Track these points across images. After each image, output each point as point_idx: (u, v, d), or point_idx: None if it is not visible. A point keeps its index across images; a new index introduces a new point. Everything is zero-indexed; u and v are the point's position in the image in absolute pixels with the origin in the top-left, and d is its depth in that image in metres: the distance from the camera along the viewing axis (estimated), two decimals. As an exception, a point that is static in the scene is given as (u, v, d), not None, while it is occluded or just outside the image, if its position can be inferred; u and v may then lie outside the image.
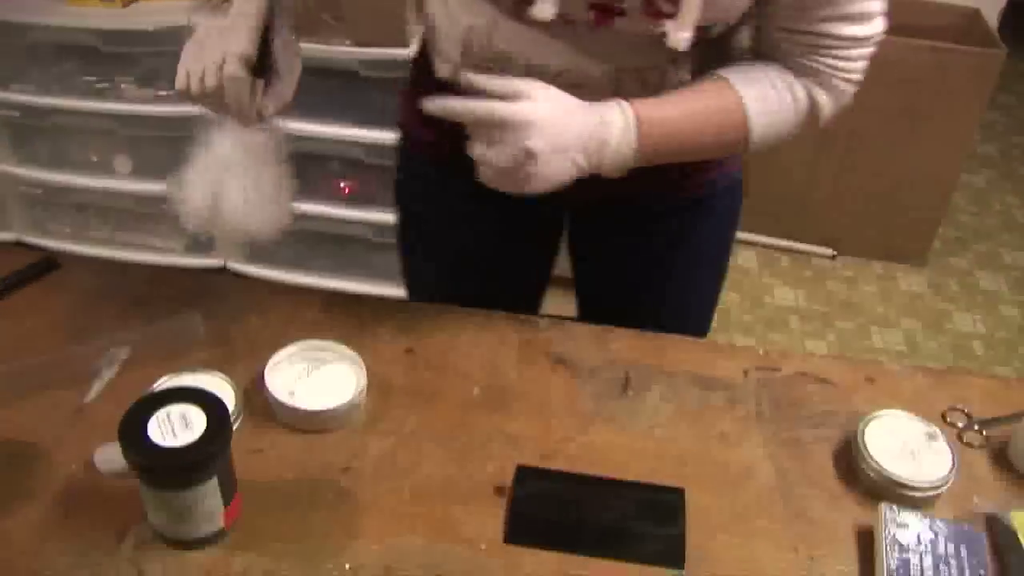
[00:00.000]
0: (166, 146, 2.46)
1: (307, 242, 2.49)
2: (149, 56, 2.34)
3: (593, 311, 1.36)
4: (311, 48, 2.17)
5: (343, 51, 2.19)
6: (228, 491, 0.91)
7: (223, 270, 2.61)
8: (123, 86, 2.39)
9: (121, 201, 2.53)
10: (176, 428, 0.87)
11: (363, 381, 1.07)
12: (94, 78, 2.38)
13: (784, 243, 3.07)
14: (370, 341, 1.14)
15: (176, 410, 0.89)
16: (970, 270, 3.09)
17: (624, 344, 1.20)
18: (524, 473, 1.02)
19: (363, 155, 2.34)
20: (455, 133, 0.98)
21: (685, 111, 1.01)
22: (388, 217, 2.41)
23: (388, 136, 2.29)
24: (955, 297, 2.97)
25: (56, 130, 2.45)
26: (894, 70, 2.56)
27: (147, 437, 0.86)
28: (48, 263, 1.24)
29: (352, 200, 2.44)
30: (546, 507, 0.99)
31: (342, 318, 1.19)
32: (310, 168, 2.42)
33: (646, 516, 0.99)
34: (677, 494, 1.01)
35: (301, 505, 0.97)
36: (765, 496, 1.02)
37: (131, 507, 0.93)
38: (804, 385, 1.16)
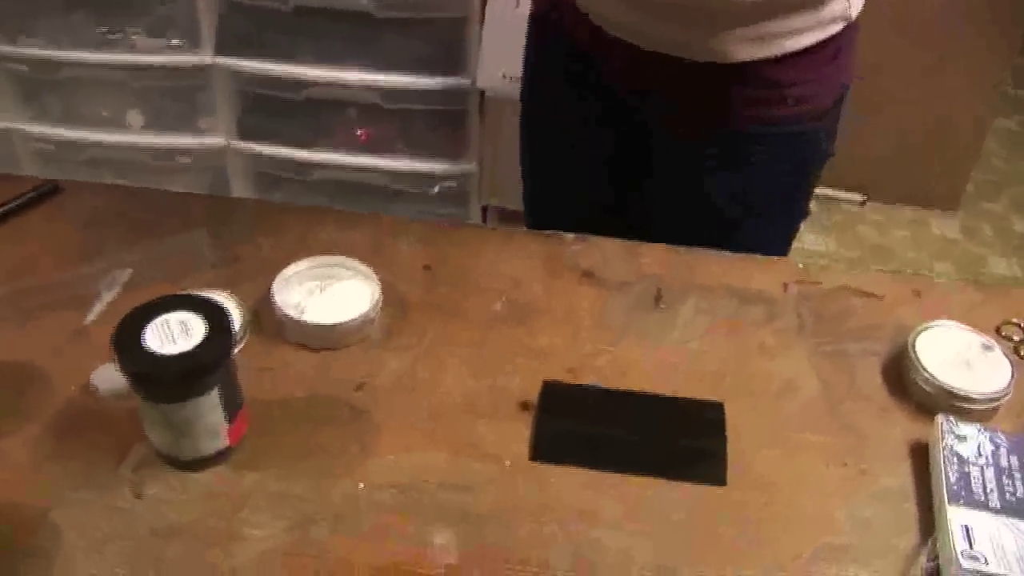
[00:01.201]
0: (178, 98, 2.40)
1: (323, 191, 2.43)
2: (161, 3, 2.27)
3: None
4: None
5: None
6: (232, 406, 0.85)
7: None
8: (134, 36, 2.33)
9: (135, 155, 2.47)
10: (175, 335, 0.81)
11: (378, 295, 1.00)
12: (104, 28, 2.32)
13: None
14: (387, 259, 1.07)
15: (175, 318, 0.83)
16: (1005, 214, 2.99)
17: (655, 258, 1.13)
18: (551, 388, 0.95)
19: (379, 100, 2.27)
20: None
21: None
22: (406, 165, 2.38)
23: (405, 80, 2.22)
24: (990, 242, 2.87)
25: (66, 84, 2.39)
26: (923, 9, 2.46)
27: (143, 345, 0.80)
28: (51, 187, 1.18)
29: (369, 147, 2.37)
30: (574, 423, 0.92)
31: (357, 237, 1.13)
32: (324, 115, 2.35)
33: (684, 431, 0.92)
34: (717, 408, 0.94)
35: (312, 423, 0.91)
36: (810, 410, 0.95)
37: (131, 429, 0.88)
38: (847, 298, 1.09)
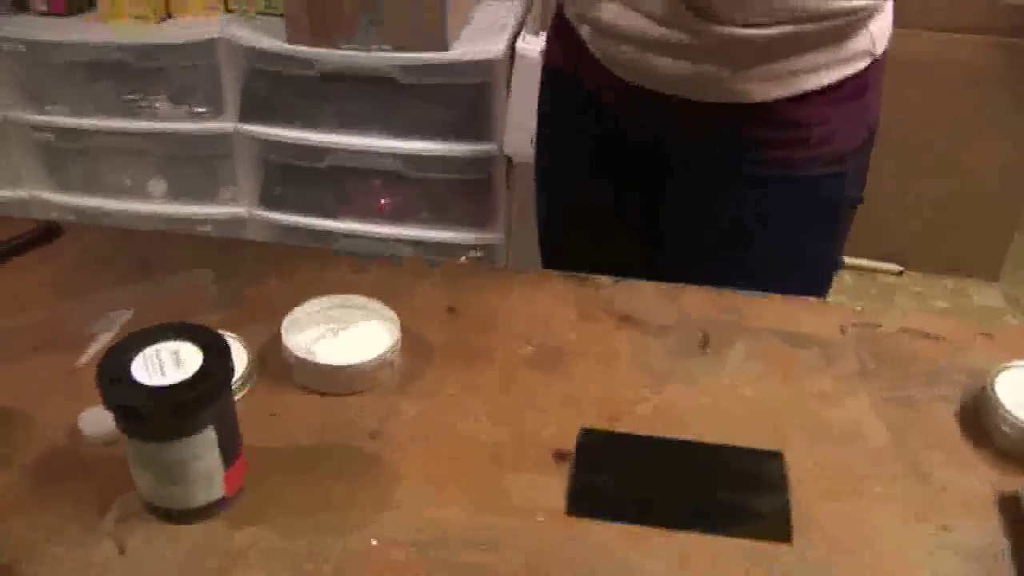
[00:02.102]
0: (201, 167, 2.36)
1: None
2: (183, 71, 2.25)
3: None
4: (347, 54, 2.06)
5: (380, 56, 2.08)
6: (230, 450, 0.76)
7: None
8: (157, 104, 2.30)
9: (156, 224, 2.42)
10: (166, 367, 0.72)
11: (396, 336, 0.91)
12: (128, 96, 2.29)
13: (846, 259, 2.87)
14: (406, 301, 0.98)
15: (167, 348, 0.74)
16: (1049, 283, 2.87)
17: (697, 300, 1.03)
18: (589, 435, 0.85)
19: (403, 167, 2.21)
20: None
21: None
22: (430, 234, 2.31)
23: (429, 147, 2.17)
24: (1035, 311, 2.75)
25: (90, 153, 2.36)
26: (960, 69, 2.40)
27: (131, 375, 0.71)
28: (50, 229, 1.11)
29: (392, 216, 2.31)
30: (617, 473, 0.82)
31: (373, 279, 1.04)
32: (347, 184, 2.30)
33: (740, 483, 0.82)
34: (775, 457, 0.83)
35: (320, 473, 0.81)
36: (880, 460, 0.84)
37: (118, 478, 0.78)
38: (910, 342, 0.99)
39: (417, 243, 2.30)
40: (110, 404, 0.71)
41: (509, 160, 2.19)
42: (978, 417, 0.88)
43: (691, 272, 1.06)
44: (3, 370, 0.91)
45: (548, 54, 1.24)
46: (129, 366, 0.72)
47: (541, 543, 0.75)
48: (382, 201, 2.32)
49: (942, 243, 2.80)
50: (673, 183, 1.14)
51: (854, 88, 1.03)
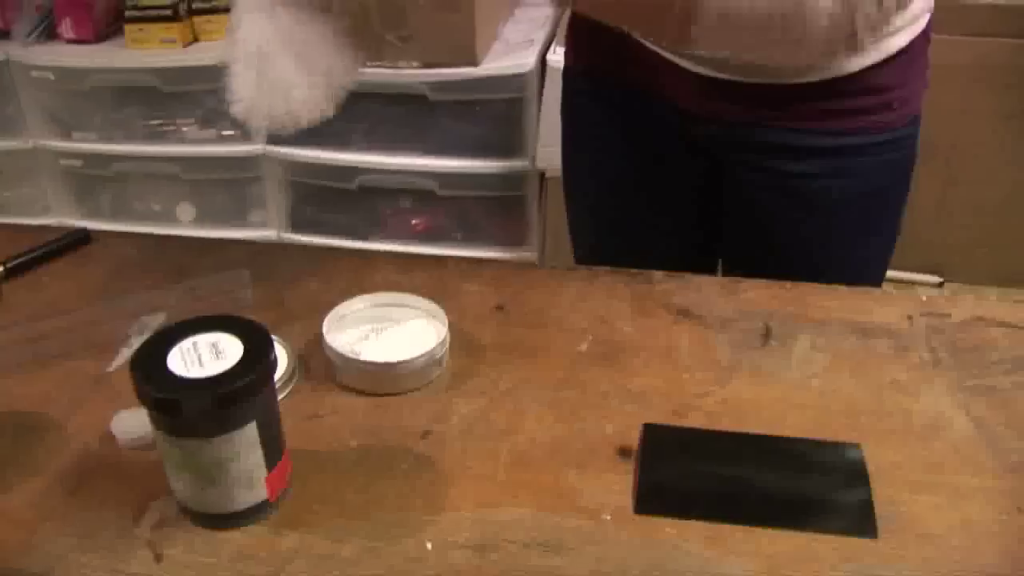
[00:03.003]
0: (229, 191, 2.33)
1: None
2: (210, 95, 2.22)
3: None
4: (376, 72, 2.03)
5: (410, 74, 2.05)
6: (273, 448, 0.70)
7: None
8: (184, 128, 2.28)
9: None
10: (204, 358, 0.67)
11: (445, 333, 0.86)
12: (155, 121, 2.27)
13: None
14: (453, 300, 0.94)
15: (205, 339, 0.69)
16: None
17: (757, 293, 0.98)
18: (654, 431, 0.79)
19: (435, 186, 2.17)
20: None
21: None
22: (464, 254, 2.25)
23: (461, 164, 2.13)
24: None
25: (118, 179, 2.34)
26: (999, 74, 2.33)
27: (167, 367, 0.66)
28: (81, 236, 1.07)
29: (424, 236, 2.26)
30: (686, 470, 0.76)
31: (419, 279, 1.00)
32: (378, 204, 2.26)
33: (819, 476, 0.75)
34: (855, 449, 0.77)
35: (368, 475, 0.76)
36: (966, 451, 0.78)
37: (153, 483, 0.74)
38: (985, 330, 0.93)
39: (450, 263, 2.25)
40: (145, 398, 0.66)
41: (542, 175, 2.15)
42: (1072, 405, 0.82)
43: (756, 258, 1.03)
44: (34, 376, 0.87)
45: (581, 58, 1.18)
46: (165, 358, 0.67)
47: (611, 544, 0.69)
48: (414, 221, 2.27)
49: (982, 253, 2.72)
50: (745, 168, 1.09)
51: (919, 47, 1.03)
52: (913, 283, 2.79)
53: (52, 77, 2.20)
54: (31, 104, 2.25)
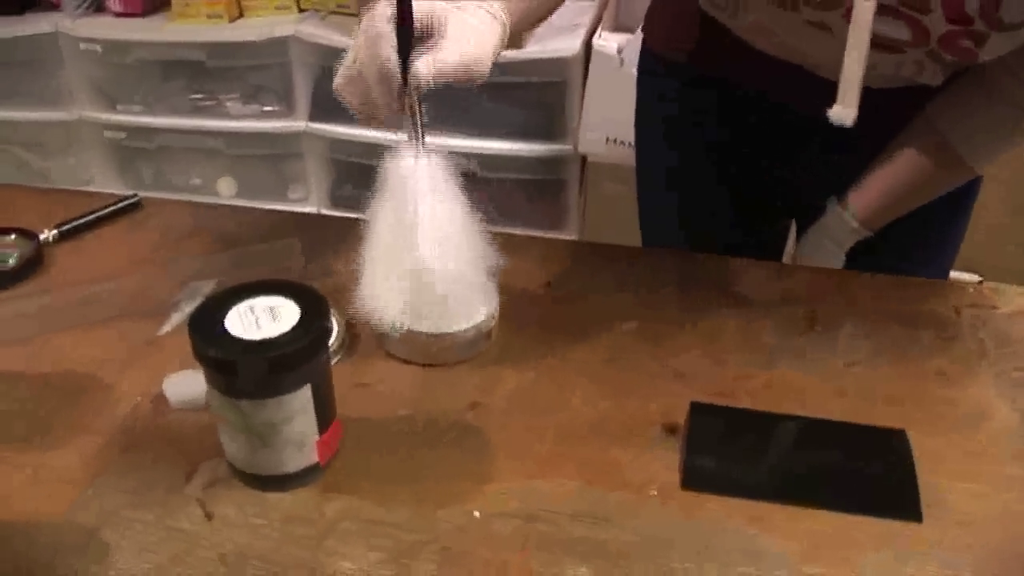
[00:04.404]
0: (270, 166, 2.34)
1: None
2: (254, 71, 2.24)
3: None
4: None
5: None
6: (324, 415, 0.71)
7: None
8: (228, 103, 2.29)
9: (224, 226, 2.41)
10: (261, 321, 0.68)
11: (495, 306, 0.86)
12: (199, 95, 2.29)
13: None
14: (501, 275, 0.93)
15: (263, 302, 0.70)
16: None
17: (802, 279, 0.98)
18: (701, 409, 0.79)
19: (477, 168, 2.17)
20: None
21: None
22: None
23: (503, 146, 2.13)
24: None
25: (161, 152, 2.36)
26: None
27: (225, 328, 0.67)
28: (134, 202, 1.08)
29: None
30: (733, 449, 0.76)
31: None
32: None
33: (864, 460, 0.75)
34: (900, 435, 0.77)
35: (416, 444, 0.77)
36: (1010, 441, 0.78)
37: (204, 445, 0.75)
38: (1035, 323, 0.92)
39: (488, 245, 2.26)
40: (203, 358, 0.67)
41: (583, 160, 2.15)
42: (1122, 400, 0.81)
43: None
44: (85, 338, 0.88)
45: (672, 45, 1.12)
46: (223, 319, 0.68)
47: (656, 519, 0.70)
48: (452, 203, 2.27)
49: (1017, 253, 2.68)
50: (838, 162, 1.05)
51: None
52: (953, 283, 2.75)
53: (99, 50, 2.23)
54: (78, 76, 2.27)
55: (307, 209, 2.33)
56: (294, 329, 0.67)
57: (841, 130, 0.84)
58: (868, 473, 0.74)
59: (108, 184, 2.41)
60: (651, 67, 1.15)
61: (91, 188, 2.40)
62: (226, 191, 2.38)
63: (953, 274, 2.80)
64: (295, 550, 0.67)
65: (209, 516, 0.70)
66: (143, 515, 0.70)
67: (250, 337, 0.67)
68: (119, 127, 2.33)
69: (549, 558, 0.67)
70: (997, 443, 0.78)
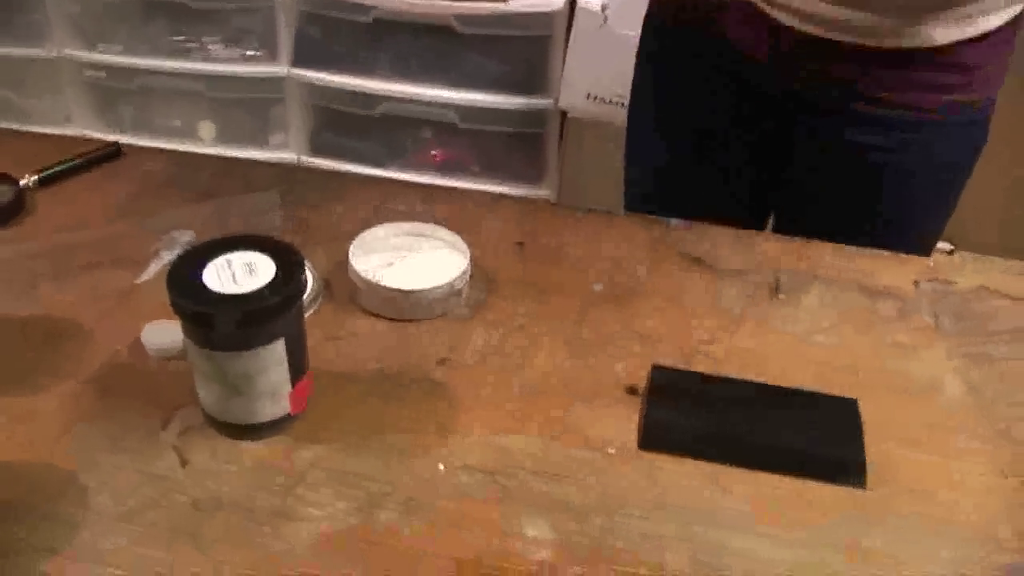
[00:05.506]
0: (251, 111, 2.34)
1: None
2: (239, 13, 2.23)
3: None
4: (405, 2, 2.02)
5: (439, 5, 2.04)
6: (297, 367, 0.74)
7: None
8: (210, 46, 2.28)
9: (204, 169, 2.41)
10: (238, 276, 0.70)
11: (466, 265, 0.89)
12: (181, 37, 2.27)
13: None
14: (475, 233, 0.96)
15: (240, 257, 0.72)
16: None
17: (771, 247, 1.00)
18: (662, 373, 0.82)
19: (456, 119, 2.18)
20: None
21: None
22: (480, 187, 2.27)
23: (484, 98, 2.14)
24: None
25: (141, 92, 2.34)
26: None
27: (203, 282, 0.69)
28: (113, 150, 1.09)
29: (443, 168, 2.28)
30: (690, 411, 0.79)
31: (442, 210, 1.02)
32: (398, 134, 2.27)
33: (816, 427, 0.79)
34: (851, 404, 0.80)
35: (386, 397, 0.79)
36: (958, 413, 0.82)
37: (179, 392, 0.77)
38: (987, 299, 0.96)
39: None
40: (180, 310, 0.69)
41: (563, 115, 2.16)
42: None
43: (810, 221, 1.05)
44: (64, 285, 0.90)
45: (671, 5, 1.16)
46: (201, 273, 0.70)
47: (614, 476, 0.73)
48: (433, 152, 2.29)
49: (996, 222, 2.72)
50: (819, 131, 1.10)
51: (1007, 33, 1.02)
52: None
53: (79, -15, 2.21)
54: (57, 13, 2.25)
55: (287, 155, 2.33)
56: (269, 285, 0.69)
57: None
58: (819, 439, 0.77)
59: (87, 124, 2.39)
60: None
61: (70, 127, 2.39)
62: (206, 134, 2.37)
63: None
64: (266, 497, 0.70)
65: (184, 463, 0.72)
66: (121, 460, 0.72)
67: (226, 291, 0.69)
68: (99, 66, 2.31)
69: (509, 511, 0.70)
70: (947, 416, 0.81)
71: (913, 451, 0.77)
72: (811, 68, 1.04)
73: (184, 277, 0.70)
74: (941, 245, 2.91)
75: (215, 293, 0.68)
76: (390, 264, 0.90)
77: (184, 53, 2.28)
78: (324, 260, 0.93)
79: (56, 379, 0.79)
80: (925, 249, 1.11)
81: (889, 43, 0.99)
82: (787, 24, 1.01)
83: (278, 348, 0.70)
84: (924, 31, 0.97)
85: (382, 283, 0.86)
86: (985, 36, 0.99)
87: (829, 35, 1.00)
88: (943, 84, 1.02)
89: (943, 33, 0.98)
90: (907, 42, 0.99)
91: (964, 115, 1.04)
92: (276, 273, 0.70)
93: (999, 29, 0.99)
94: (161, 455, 0.73)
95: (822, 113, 1.07)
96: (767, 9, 1.02)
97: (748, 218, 1.14)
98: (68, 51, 2.29)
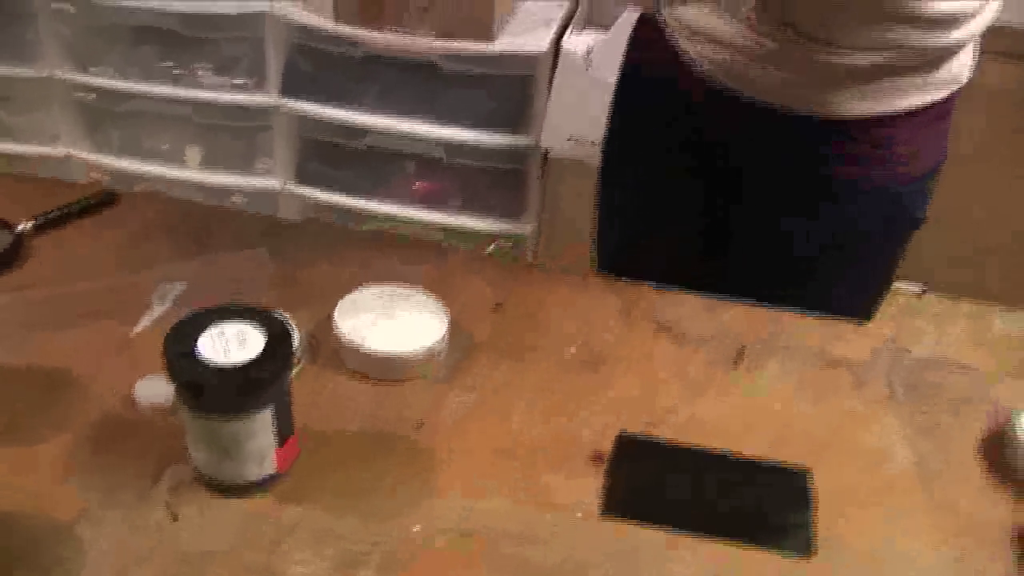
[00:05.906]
0: (239, 137, 2.38)
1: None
2: (229, 42, 2.27)
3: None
4: (392, 38, 2.07)
5: (425, 43, 2.10)
6: (284, 429, 0.78)
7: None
8: (200, 73, 2.32)
9: (190, 192, 2.44)
10: (231, 346, 0.75)
11: (445, 329, 0.93)
12: (171, 63, 2.32)
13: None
14: (455, 295, 1.01)
15: (232, 328, 0.76)
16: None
17: (737, 315, 1.05)
18: (626, 441, 0.87)
19: (441, 154, 2.23)
20: None
21: None
22: (461, 221, 2.33)
23: (467, 135, 2.19)
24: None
25: (130, 115, 2.38)
26: (988, 94, 2.39)
27: (197, 353, 0.74)
28: (108, 197, 1.14)
29: (424, 201, 2.33)
30: (651, 479, 0.84)
31: (424, 270, 1.06)
32: (383, 166, 2.32)
33: (768, 497, 0.84)
34: (803, 476, 0.85)
35: (366, 458, 0.84)
36: (903, 484, 0.87)
37: (171, 446, 0.82)
38: (941, 369, 1.01)
39: (446, 229, 2.32)
40: (177, 379, 0.73)
41: (545, 154, 2.21)
42: (1002, 451, 0.90)
43: (752, 280, 1.08)
44: (59, 335, 0.94)
45: (638, 51, 1.20)
46: (196, 343, 0.74)
47: (580, 540, 0.78)
48: (416, 185, 2.34)
49: (967, 266, 2.79)
50: (748, 190, 1.14)
51: (936, 113, 1.05)
52: (896, 291, 2.85)
53: (72, 10, 2.24)
54: (49, 34, 2.29)
55: (271, 182, 2.37)
56: (260, 356, 0.74)
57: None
58: (769, 509, 0.82)
59: (75, 144, 2.43)
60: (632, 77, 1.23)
61: (57, 147, 2.42)
62: (193, 159, 2.41)
63: (898, 284, 2.89)
64: (252, 553, 0.75)
65: (175, 517, 0.77)
66: (114, 514, 0.77)
67: (220, 361, 0.73)
68: (90, 88, 2.35)
69: (481, 572, 0.75)
70: (892, 486, 0.87)
71: (859, 522, 0.83)
72: (739, 126, 1.08)
73: (181, 346, 0.74)
74: (910, 287, 2.98)
75: (210, 364, 0.73)
76: (374, 324, 0.94)
77: (174, 79, 2.31)
78: (310, 318, 0.98)
79: (52, 430, 0.83)
80: (865, 313, 1.15)
81: (800, 109, 1.03)
82: (714, 79, 1.05)
83: (266, 415, 0.75)
84: (830, 101, 1.01)
85: (364, 345, 0.90)
86: (899, 115, 1.02)
87: (747, 94, 1.04)
88: (857, 155, 1.05)
89: (849, 105, 1.01)
90: (816, 110, 1.02)
91: (882, 186, 1.07)
92: (266, 345, 0.75)
93: (916, 110, 1.03)
94: (153, 508, 0.77)
95: (753, 172, 1.11)
96: (699, 65, 1.06)
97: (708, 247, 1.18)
98: (59, 72, 2.33)
